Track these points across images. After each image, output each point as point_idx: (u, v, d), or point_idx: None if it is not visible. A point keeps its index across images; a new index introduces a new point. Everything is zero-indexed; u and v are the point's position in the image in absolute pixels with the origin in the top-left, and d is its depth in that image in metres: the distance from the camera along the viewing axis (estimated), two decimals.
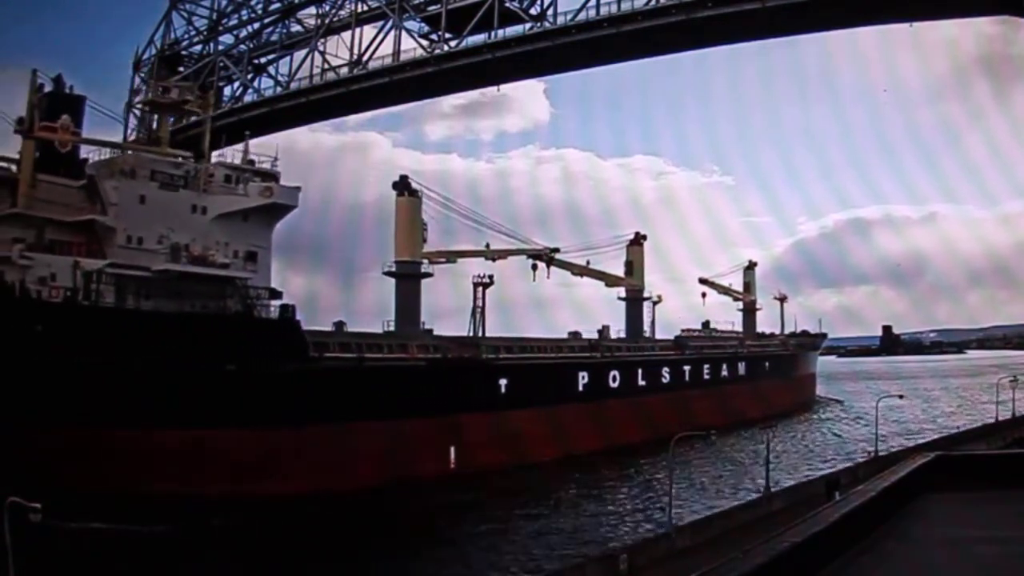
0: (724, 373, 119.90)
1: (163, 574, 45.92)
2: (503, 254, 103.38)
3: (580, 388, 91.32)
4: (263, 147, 78.85)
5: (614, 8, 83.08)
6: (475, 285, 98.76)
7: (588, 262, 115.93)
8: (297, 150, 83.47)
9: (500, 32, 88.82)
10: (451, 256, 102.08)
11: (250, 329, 67.83)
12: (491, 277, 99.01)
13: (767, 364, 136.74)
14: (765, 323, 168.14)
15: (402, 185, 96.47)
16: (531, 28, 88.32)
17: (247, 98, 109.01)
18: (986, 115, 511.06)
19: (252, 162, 77.17)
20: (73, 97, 72.13)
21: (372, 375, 71.26)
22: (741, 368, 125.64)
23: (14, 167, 68.57)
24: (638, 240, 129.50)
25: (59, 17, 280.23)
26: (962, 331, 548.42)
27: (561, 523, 57.10)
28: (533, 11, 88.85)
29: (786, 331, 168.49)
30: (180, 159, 73.73)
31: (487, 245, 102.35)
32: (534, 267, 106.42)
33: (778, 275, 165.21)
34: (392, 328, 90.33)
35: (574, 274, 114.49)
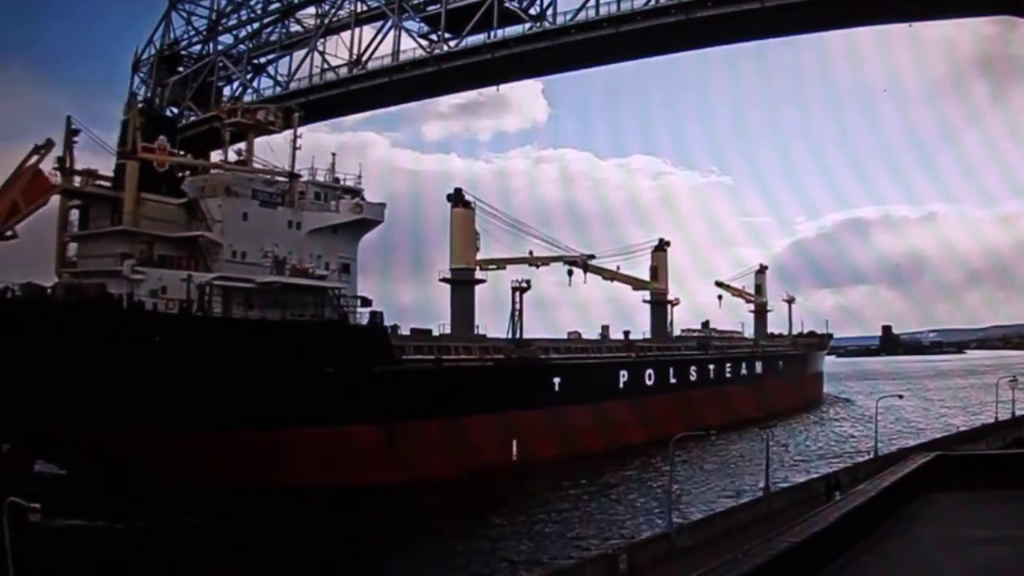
0: (743, 372, 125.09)
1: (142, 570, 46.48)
2: (546, 260, 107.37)
3: (621, 385, 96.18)
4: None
5: (613, 8, 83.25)
6: (514, 290, 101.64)
7: (619, 267, 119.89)
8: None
9: (500, 32, 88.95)
10: (501, 263, 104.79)
11: (345, 335, 71.97)
12: (528, 282, 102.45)
13: (781, 363, 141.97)
14: (771, 324, 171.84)
15: (457, 198, 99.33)
16: (530, 28, 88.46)
17: (246, 98, 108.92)
18: (984, 115, 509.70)
19: (337, 179, 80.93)
20: (167, 119, 78.30)
21: (449, 375, 76.37)
22: (758, 367, 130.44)
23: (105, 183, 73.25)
24: (662, 246, 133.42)
25: (57, 17, 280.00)
26: (962, 331, 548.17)
27: (561, 521, 57.03)
28: (533, 11, 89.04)
29: (794, 332, 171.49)
30: (273, 177, 77.72)
31: (530, 252, 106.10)
32: (570, 272, 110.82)
33: (777, 275, 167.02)
34: (447, 331, 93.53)
35: (605, 278, 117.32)
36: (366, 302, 78.05)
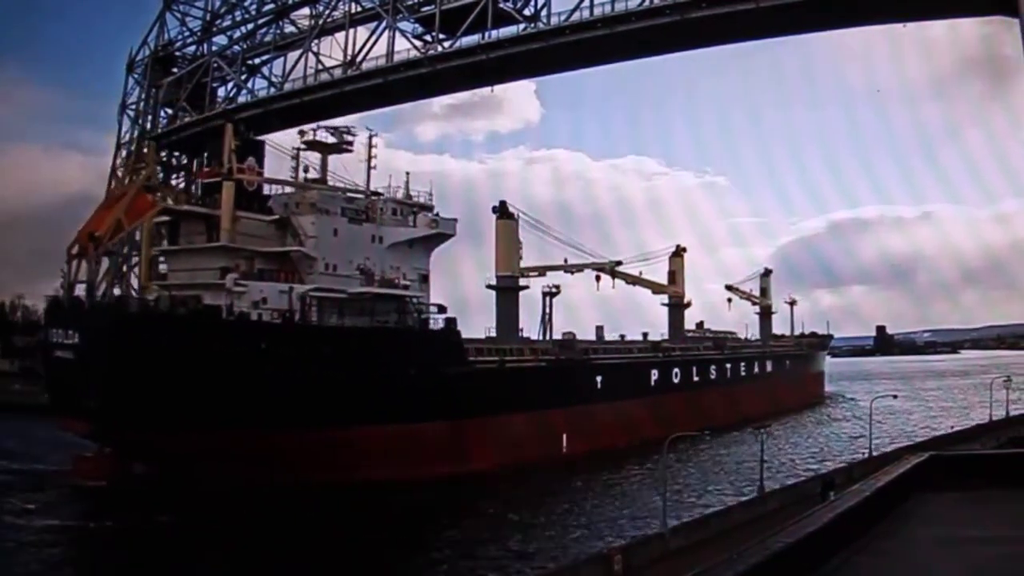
0: (755, 370, 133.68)
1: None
2: (580, 268, 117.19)
3: (652, 383, 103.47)
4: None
5: (608, 9, 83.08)
6: (544, 294, 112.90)
7: (641, 272, 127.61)
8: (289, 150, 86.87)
9: (494, 33, 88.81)
10: (541, 270, 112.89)
11: (424, 339, 78.63)
12: (557, 287, 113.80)
13: (788, 363, 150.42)
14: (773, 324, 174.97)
15: (501, 210, 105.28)
16: (525, 29, 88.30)
17: (240, 99, 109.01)
18: (979, 115, 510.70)
19: (410, 196, 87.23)
20: (254, 141, 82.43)
21: (510, 375, 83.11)
22: (769, 366, 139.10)
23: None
24: (679, 252, 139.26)
25: (54, 18, 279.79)
26: (956, 331, 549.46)
27: (557, 521, 57.10)
28: (527, 12, 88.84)
29: (795, 332, 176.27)
30: (355, 195, 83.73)
31: (565, 260, 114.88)
32: (598, 278, 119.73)
33: (772, 275, 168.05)
34: (494, 334, 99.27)
35: (628, 283, 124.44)
36: (442, 309, 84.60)
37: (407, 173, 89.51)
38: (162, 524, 53.49)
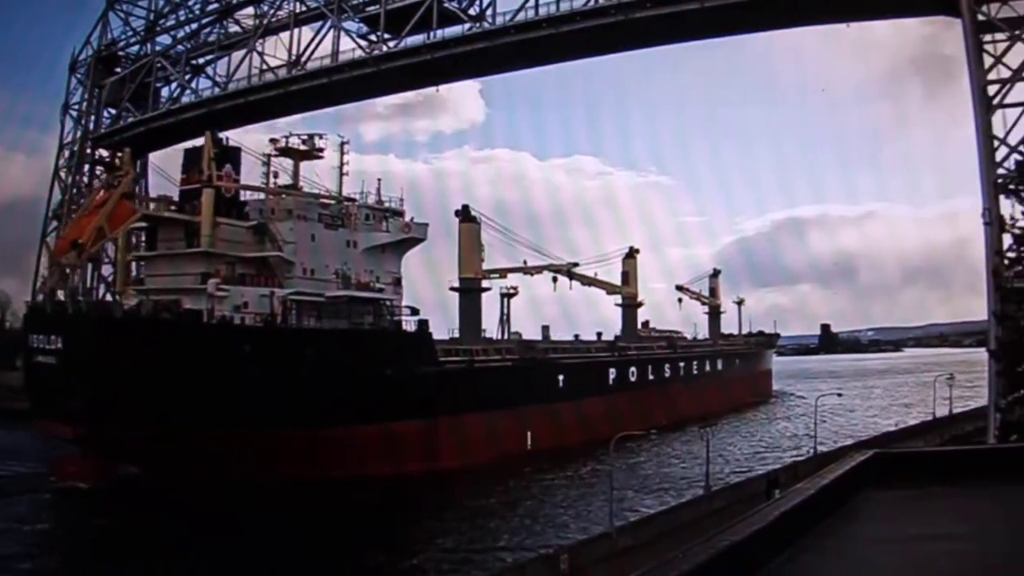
0: (707, 368, 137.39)
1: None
2: (539, 270, 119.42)
3: (610, 382, 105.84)
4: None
5: (552, 9, 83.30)
6: (502, 296, 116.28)
7: (596, 273, 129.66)
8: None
9: (439, 32, 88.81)
10: (503, 272, 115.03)
11: (399, 341, 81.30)
12: (515, 288, 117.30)
13: (738, 361, 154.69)
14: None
15: (464, 213, 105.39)
16: (470, 28, 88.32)
17: (184, 99, 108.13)
18: (919, 115, 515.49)
19: (381, 202, 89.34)
20: (230, 148, 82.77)
21: (478, 374, 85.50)
22: (719, 364, 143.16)
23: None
24: (632, 254, 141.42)
25: None
26: (900, 329, 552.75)
27: (506, 521, 57.03)
28: (472, 11, 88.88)
29: (743, 331, 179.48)
30: (328, 200, 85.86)
31: (524, 262, 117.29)
32: (554, 279, 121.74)
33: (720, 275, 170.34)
34: (457, 335, 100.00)
35: (583, 284, 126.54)
36: (414, 311, 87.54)
37: (379, 179, 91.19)
38: (147, 523, 53.76)
